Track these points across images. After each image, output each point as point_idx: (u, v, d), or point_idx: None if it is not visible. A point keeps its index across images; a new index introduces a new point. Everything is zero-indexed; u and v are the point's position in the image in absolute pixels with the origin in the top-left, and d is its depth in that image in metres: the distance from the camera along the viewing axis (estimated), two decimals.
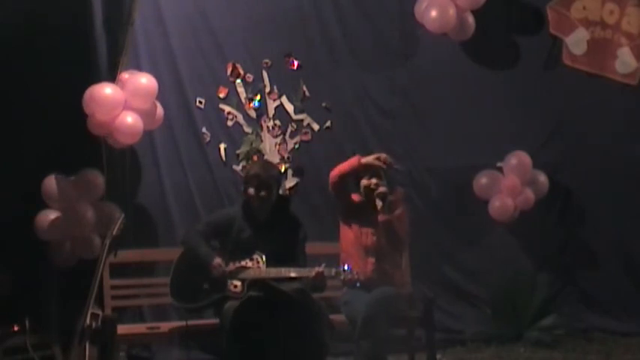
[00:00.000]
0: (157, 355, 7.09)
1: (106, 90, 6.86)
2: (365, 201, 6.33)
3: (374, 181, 6.30)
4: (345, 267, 5.89)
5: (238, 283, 5.84)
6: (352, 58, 7.84)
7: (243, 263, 5.87)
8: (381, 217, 6.20)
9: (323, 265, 5.88)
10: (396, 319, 6.05)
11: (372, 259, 6.20)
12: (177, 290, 6.01)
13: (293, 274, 5.82)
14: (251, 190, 6.00)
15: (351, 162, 6.33)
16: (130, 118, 6.88)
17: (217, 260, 5.85)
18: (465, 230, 7.89)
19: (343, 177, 6.30)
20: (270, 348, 5.64)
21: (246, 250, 5.91)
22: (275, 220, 6.00)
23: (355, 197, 6.39)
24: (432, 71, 7.91)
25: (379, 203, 6.21)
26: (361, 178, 6.34)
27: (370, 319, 5.86)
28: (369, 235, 6.24)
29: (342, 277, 5.87)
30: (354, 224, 6.31)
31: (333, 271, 5.83)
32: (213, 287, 5.89)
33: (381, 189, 6.24)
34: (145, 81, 6.99)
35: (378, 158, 6.32)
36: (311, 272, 5.82)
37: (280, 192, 6.46)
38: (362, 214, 6.29)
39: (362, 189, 6.34)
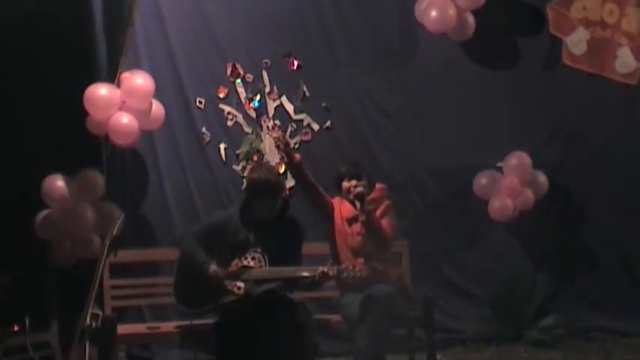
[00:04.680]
0: (157, 355, 7.09)
1: (101, 90, 6.86)
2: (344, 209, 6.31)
3: (353, 182, 6.27)
4: (349, 266, 5.87)
5: (241, 284, 5.82)
6: (352, 58, 7.84)
7: (245, 262, 5.86)
8: (361, 217, 6.19)
9: (329, 262, 5.86)
10: (392, 317, 6.03)
11: (360, 260, 6.16)
12: (181, 294, 5.98)
13: (296, 274, 5.81)
14: (255, 196, 5.94)
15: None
16: (125, 119, 6.89)
17: (213, 268, 5.80)
18: (465, 230, 7.89)
19: (303, 182, 6.27)
20: (261, 348, 5.64)
21: (242, 250, 5.89)
22: (273, 221, 5.98)
23: (339, 227, 6.32)
24: (432, 71, 7.92)
25: (357, 204, 6.19)
26: (342, 179, 6.33)
27: (365, 319, 5.85)
28: (354, 236, 6.23)
29: (344, 274, 5.85)
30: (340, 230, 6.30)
31: (336, 269, 5.82)
32: (217, 290, 5.86)
33: (358, 189, 6.22)
34: (141, 81, 6.98)
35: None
36: (314, 271, 5.80)
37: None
38: (347, 237, 6.27)
39: (343, 191, 6.33)
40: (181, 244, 6.05)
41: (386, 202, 6.32)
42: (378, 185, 6.39)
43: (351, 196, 6.23)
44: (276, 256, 5.84)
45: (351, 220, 6.24)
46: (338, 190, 6.34)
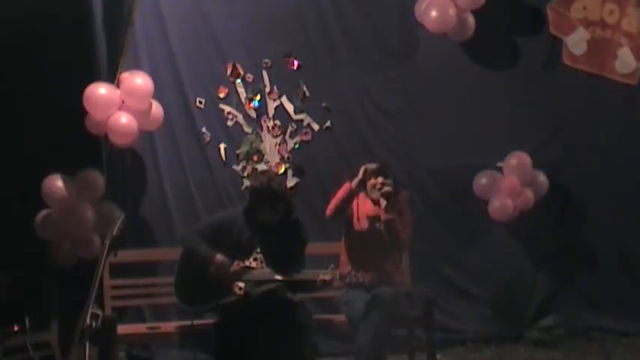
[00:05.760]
0: (157, 355, 7.09)
1: (101, 90, 6.87)
2: (368, 223, 6.30)
3: (380, 180, 6.29)
4: (352, 272, 5.87)
5: (242, 284, 5.82)
6: (352, 58, 7.84)
7: (247, 263, 5.86)
8: (384, 217, 6.20)
9: (331, 267, 5.87)
10: (396, 318, 6.04)
11: (373, 260, 6.17)
12: (182, 292, 5.98)
13: (298, 278, 5.80)
14: (258, 204, 5.93)
15: (344, 190, 6.22)
16: (124, 119, 6.89)
17: (219, 257, 5.82)
18: (465, 230, 7.89)
19: (340, 209, 6.25)
20: (261, 348, 5.64)
21: (245, 251, 5.89)
22: (277, 223, 5.97)
23: (356, 225, 6.33)
24: (432, 71, 7.92)
25: (383, 202, 6.21)
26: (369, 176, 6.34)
27: (370, 319, 5.86)
28: (372, 235, 6.24)
29: (346, 280, 5.87)
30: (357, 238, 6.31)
31: (338, 274, 5.83)
32: (219, 289, 5.86)
33: (386, 188, 6.24)
34: (141, 81, 6.98)
35: (365, 171, 6.26)
36: (316, 276, 5.81)
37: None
38: (364, 235, 6.27)
39: (368, 188, 6.33)
40: (185, 240, 6.06)
41: (407, 208, 6.34)
42: (402, 190, 6.41)
43: (378, 194, 6.23)
44: (279, 258, 5.84)
45: (373, 219, 6.25)
46: (362, 188, 6.34)
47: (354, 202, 6.31)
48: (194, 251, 5.92)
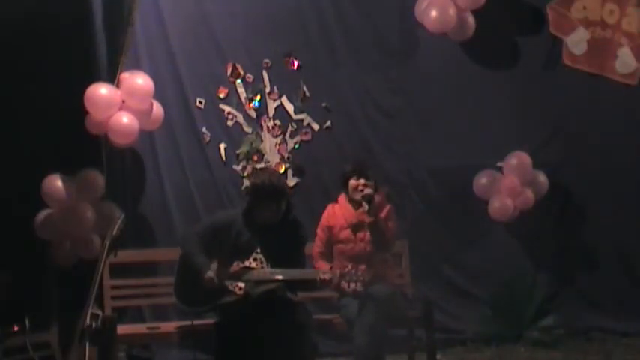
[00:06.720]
0: (157, 355, 7.09)
1: (102, 90, 6.87)
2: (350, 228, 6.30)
3: (362, 181, 6.24)
4: (352, 270, 5.85)
5: (242, 284, 5.82)
6: (352, 58, 7.84)
7: (247, 263, 5.85)
8: (367, 219, 6.16)
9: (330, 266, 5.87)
10: (392, 317, 6.02)
11: (362, 266, 6.12)
12: (182, 292, 5.98)
13: (298, 277, 5.81)
14: (259, 201, 5.91)
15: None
16: (125, 119, 6.90)
17: (209, 274, 5.77)
18: (465, 230, 7.88)
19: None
20: (260, 348, 5.63)
21: (245, 252, 5.88)
22: (276, 223, 5.96)
23: (341, 234, 6.32)
24: (432, 71, 7.91)
25: (365, 206, 6.16)
26: (350, 177, 6.31)
27: (365, 318, 5.85)
28: (358, 243, 6.21)
29: (347, 278, 5.84)
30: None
31: (338, 273, 5.83)
32: (218, 290, 5.85)
33: (367, 191, 6.18)
34: (141, 81, 6.99)
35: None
36: (316, 275, 5.81)
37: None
38: (350, 244, 6.27)
39: (350, 189, 6.30)
40: (184, 244, 6.05)
41: (388, 206, 6.32)
42: (381, 189, 6.39)
43: (359, 197, 6.21)
44: (278, 258, 5.84)
45: (357, 227, 6.23)
46: (343, 188, 6.33)
47: (335, 211, 6.32)
48: (189, 258, 5.92)
